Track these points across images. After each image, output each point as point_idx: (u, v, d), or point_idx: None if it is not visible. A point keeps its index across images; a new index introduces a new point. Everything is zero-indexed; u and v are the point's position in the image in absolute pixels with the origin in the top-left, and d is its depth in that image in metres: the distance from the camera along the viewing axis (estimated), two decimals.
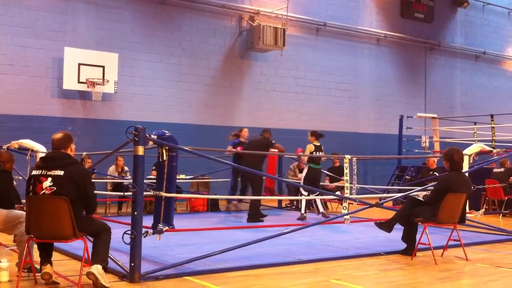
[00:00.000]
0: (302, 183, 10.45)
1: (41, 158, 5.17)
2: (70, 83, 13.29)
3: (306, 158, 10.70)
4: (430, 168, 12.98)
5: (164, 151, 5.83)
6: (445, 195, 6.53)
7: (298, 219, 10.47)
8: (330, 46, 17.92)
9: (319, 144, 10.60)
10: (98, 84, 13.45)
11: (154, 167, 12.03)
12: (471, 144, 11.49)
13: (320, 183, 11.26)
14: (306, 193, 10.60)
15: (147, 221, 5.84)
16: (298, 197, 11.31)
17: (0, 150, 7.39)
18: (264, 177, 10.89)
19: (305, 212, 10.62)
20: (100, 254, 4.95)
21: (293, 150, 14.92)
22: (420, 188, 8.67)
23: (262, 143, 10.54)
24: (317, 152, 10.50)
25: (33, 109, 13.21)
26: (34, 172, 4.94)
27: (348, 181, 9.17)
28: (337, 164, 13.54)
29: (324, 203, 13.48)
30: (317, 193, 10.22)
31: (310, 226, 8.10)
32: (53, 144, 5.08)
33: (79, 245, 5.29)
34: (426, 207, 6.75)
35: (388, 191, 13.99)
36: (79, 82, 13.33)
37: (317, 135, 10.62)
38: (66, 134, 5.16)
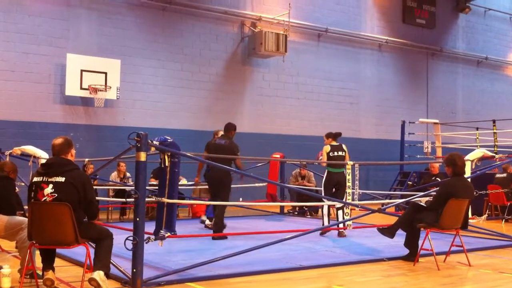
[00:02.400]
0: (323, 192, 9.24)
1: (41, 164, 5.17)
2: (72, 89, 13.31)
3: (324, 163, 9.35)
4: (432, 174, 12.97)
5: (166, 157, 5.84)
6: (447, 200, 6.52)
7: (322, 234, 9.10)
8: (331, 52, 17.94)
9: (338, 143, 9.32)
10: (101, 90, 13.48)
11: (152, 175, 12.03)
12: (473, 149, 11.47)
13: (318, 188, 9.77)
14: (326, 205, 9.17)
15: (149, 227, 5.84)
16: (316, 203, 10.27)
17: (5, 161, 7.43)
18: (231, 186, 9.14)
19: (328, 222, 9.19)
20: (102, 260, 4.94)
21: (295, 156, 14.94)
22: (422, 193, 8.67)
23: (228, 150, 8.92)
24: (335, 152, 9.19)
25: (36, 115, 13.23)
26: (35, 179, 4.94)
27: (350, 187, 9.16)
28: None
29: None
30: (341, 205, 8.96)
31: (312, 232, 8.08)
32: (53, 150, 5.08)
33: (81, 251, 5.29)
34: (429, 213, 6.74)
35: (390, 197, 13.96)
36: (81, 88, 13.35)
37: (332, 135, 9.45)
38: (66, 139, 5.17)
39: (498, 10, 22.11)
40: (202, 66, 15.61)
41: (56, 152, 5.06)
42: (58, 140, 5.12)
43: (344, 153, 9.23)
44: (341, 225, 9.04)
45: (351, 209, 9.35)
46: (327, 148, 9.22)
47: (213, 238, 8.47)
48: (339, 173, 9.18)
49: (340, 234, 9.03)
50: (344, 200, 9.06)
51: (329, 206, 9.31)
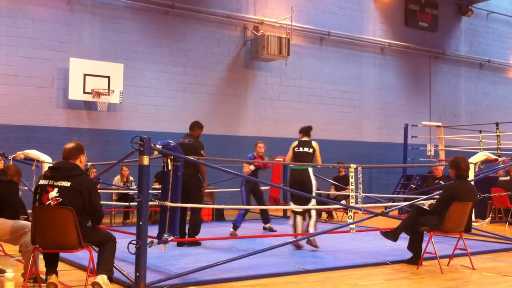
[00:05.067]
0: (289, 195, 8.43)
1: (49, 167, 5.19)
2: (75, 93, 13.35)
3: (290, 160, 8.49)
4: (435, 177, 12.97)
5: (169, 160, 5.85)
6: (450, 203, 6.51)
7: (294, 244, 7.99)
8: (334, 55, 17.95)
9: (308, 139, 8.56)
10: (104, 94, 13.50)
11: (155, 178, 12.03)
12: (477, 152, 11.46)
13: (316, 191, 8.32)
14: (298, 208, 8.13)
15: (152, 231, 5.84)
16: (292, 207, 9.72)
17: (8, 164, 7.44)
18: (202, 190, 8.66)
19: (295, 230, 8.09)
20: (105, 264, 4.95)
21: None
22: (425, 196, 8.66)
23: (190, 150, 8.08)
24: (301, 148, 8.38)
25: (39, 119, 13.26)
26: (41, 182, 4.96)
27: (354, 190, 9.13)
28: (343, 173, 13.54)
29: (330, 212, 13.47)
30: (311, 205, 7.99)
31: (315, 235, 8.07)
32: (63, 154, 5.11)
33: (84, 255, 5.30)
34: (432, 216, 6.73)
35: (393, 200, 13.94)
36: (84, 92, 13.38)
37: (302, 129, 8.72)
38: (77, 144, 5.20)
39: (501, 13, 22.10)
40: (205, 69, 15.63)
41: (65, 156, 5.09)
42: (70, 145, 5.15)
43: (311, 149, 8.36)
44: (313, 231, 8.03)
45: (354, 212, 9.33)
46: (294, 143, 8.54)
47: (188, 244, 8.16)
48: (300, 170, 8.18)
49: (310, 243, 7.95)
50: (310, 203, 7.99)
51: (295, 215, 8.23)
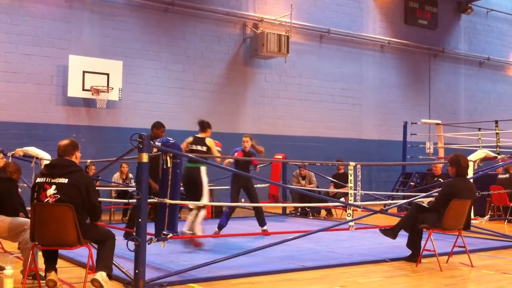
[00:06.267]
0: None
1: (45, 165, 5.20)
2: (74, 90, 13.34)
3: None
4: (434, 175, 12.97)
5: (168, 158, 5.85)
6: (449, 201, 6.51)
7: (194, 243, 7.76)
8: (334, 53, 17.94)
9: (203, 136, 8.35)
10: (103, 91, 13.49)
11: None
12: (476, 150, 11.48)
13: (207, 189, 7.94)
14: (191, 205, 7.91)
15: (152, 228, 5.85)
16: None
17: (8, 161, 7.46)
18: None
19: (189, 229, 7.70)
20: (104, 261, 4.95)
21: (297, 157, 14.95)
22: (424, 194, 8.67)
23: None
24: (194, 146, 8.16)
25: (38, 116, 13.25)
26: (38, 180, 4.96)
27: (353, 188, 9.15)
28: (342, 171, 13.55)
29: (329, 209, 13.49)
30: (201, 206, 7.70)
31: (314, 233, 8.08)
32: (59, 151, 5.11)
33: (83, 252, 5.30)
34: (431, 214, 6.74)
35: (392, 198, 13.95)
36: (83, 89, 13.38)
37: (199, 124, 8.52)
38: (72, 141, 5.19)
39: (500, 10, 22.10)
40: (204, 67, 15.62)
41: (61, 153, 5.09)
42: (64, 142, 5.15)
43: (204, 147, 8.14)
44: (199, 232, 7.70)
45: (353, 210, 9.35)
46: (189, 139, 8.30)
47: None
48: (192, 168, 7.81)
49: (196, 244, 7.72)
50: (200, 200, 7.71)
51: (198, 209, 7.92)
